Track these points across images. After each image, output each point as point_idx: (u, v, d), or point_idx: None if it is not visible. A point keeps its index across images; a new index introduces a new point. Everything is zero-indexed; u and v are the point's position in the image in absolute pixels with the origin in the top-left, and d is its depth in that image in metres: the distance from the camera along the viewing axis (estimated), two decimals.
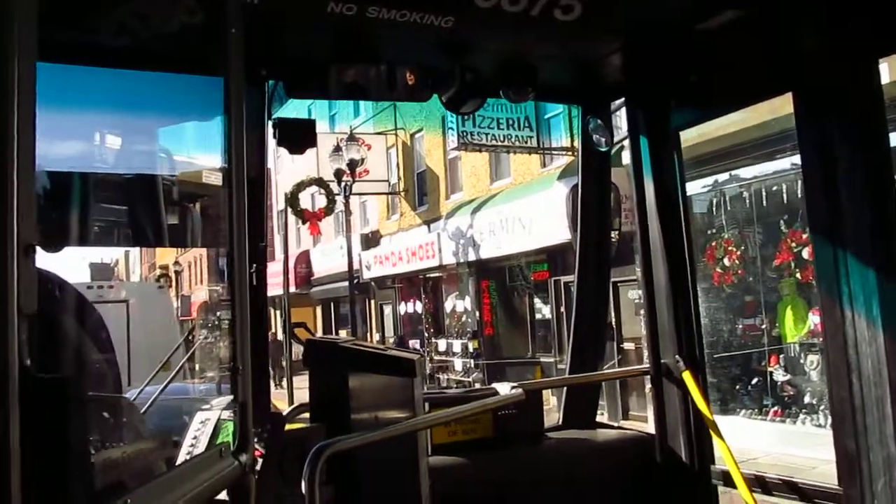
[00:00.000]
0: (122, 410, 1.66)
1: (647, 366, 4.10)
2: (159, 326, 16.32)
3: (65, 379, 1.21)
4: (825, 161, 3.04)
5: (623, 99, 4.09)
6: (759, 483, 3.58)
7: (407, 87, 3.45)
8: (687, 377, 3.83)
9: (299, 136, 3.52)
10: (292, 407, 3.42)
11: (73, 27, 2.66)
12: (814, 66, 3.07)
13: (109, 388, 1.62)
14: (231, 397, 1.87)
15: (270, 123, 3.44)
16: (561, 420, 4.31)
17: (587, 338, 4.33)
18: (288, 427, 2.79)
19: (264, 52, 3.27)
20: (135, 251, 70.67)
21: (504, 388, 3.56)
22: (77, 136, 3.30)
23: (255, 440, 2.50)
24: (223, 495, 2.05)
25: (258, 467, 2.41)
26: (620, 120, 4.26)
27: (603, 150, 4.14)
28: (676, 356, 3.89)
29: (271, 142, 3.55)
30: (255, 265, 3.28)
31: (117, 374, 1.71)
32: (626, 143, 4.16)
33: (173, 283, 44.44)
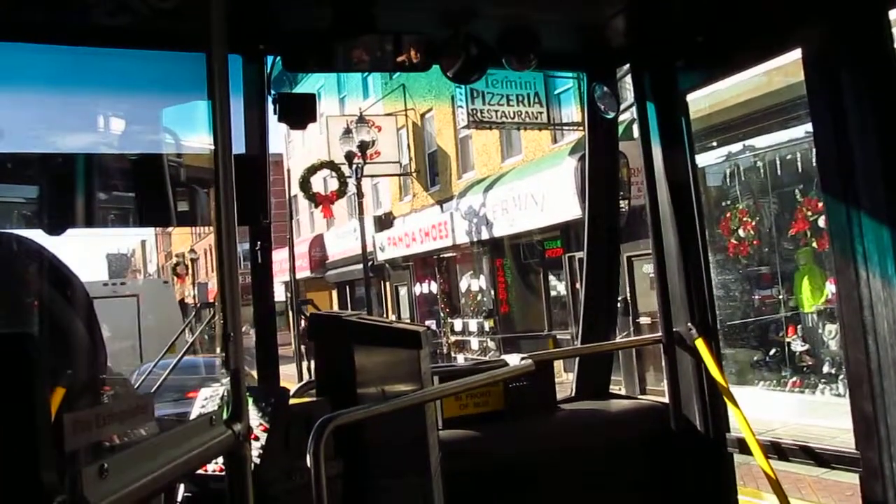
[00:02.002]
0: (100, 375, 1.64)
1: (660, 334, 4.05)
2: (164, 315, 20.48)
3: (26, 335, 1.18)
4: (836, 117, 2.97)
5: (629, 64, 4.01)
6: (775, 449, 3.53)
7: (408, 57, 3.40)
8: (700, 345, 3.78)
9: (300, 111, 3.48)
10: (300, 384, 3.41)
11: (58, 7, 2.63)
12: (822, 20, 3.00)
13: (85, 353, 1.60)
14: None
15: (270, 99, 3.40)
16: (574, 391, 4.27)
17: (598, 308, 4.28)
18: (293, 402, 2.77)
19: (261, 25, 3.23)
20: (150, 241, 71.31)
21: (514, 360, 3.53)
22: (83, 120, 3.29)
23: (260, 414, 2.49)
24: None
25: (263, 441, 2.40)
26: (628, 94, 4.19)
27: (610, 117, 4.07)
28: (689, 324, 3.84)
29: (283, 127, 3.52)
30: (259, 242, 3.26)
31: (97, 337, 1.68)
32: (634, 110, 4.09)
33: (189, 271, 44.77)
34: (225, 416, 1.73)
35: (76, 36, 2.91)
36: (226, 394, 1.81)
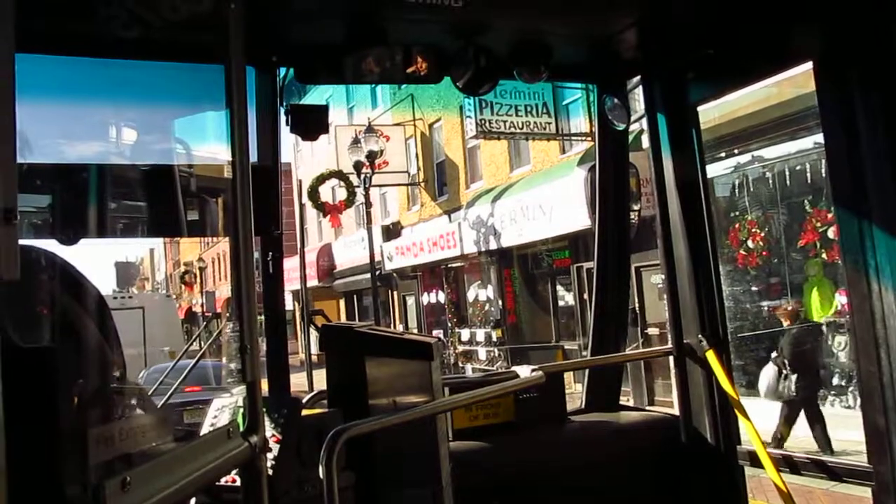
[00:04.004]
0: (123, 389, 1.65)
1: (671, 346, 4.05)
2: (166, 326, 23.63)
3: (51, 349, 1.19)
4: (848, 130, 2.96)
5: (640, 77, 4.02)
6: (786, 462, 3.52)
7: (419, 69, 3.42)
8: (710, 357, 3.78)
9: (312, 122, 3.50)
10: (312, 393, 3.41)
11: (75, 18, 2.65)
12: (834, 32, 3.00)
13: (109, 366, 1.61)
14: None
15: (283, 110, 3.42)
16: (584, 403, 4.27)
17: (609, 320, 4.27)
18: (305, 413, 2.77)
19: (274, 37, 3.25)
20: (159, 249, 71.53)
21: (524, 371, 3.52)
22: (97, 130, 3.31)
23: (273, 425, 2.49)
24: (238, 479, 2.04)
25: (275, 452, 2.41)
26: (639, 104, 4.19)
27: (620, 129, 4.08)
28: (699, 335, 3.84)
29: (292, 136, 3.53)
30: (271, 253, 3.27)
31: (118, 351, 1.69)
32: (645, 123, 4.09)
33: (197, 280, 44.89)
34: (241, 428, 1.73)
35: (94, 47, 2.93)
36: (241, 404, 1.81)
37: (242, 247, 1.76)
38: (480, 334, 22.52)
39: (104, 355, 1.58)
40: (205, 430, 2.53)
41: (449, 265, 24.94)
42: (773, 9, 3.19)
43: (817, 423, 10.40)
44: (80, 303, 1.60)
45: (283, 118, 3.42)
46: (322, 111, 3.54)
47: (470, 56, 3.45)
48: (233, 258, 1.76)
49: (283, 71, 3.43)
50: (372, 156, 22.47)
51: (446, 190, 26.12)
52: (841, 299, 11.45)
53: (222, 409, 2.54)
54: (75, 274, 1.64)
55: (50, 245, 2.64)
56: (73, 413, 1.17)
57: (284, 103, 3.40)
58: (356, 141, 22.83)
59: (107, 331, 1.66)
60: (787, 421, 10.51)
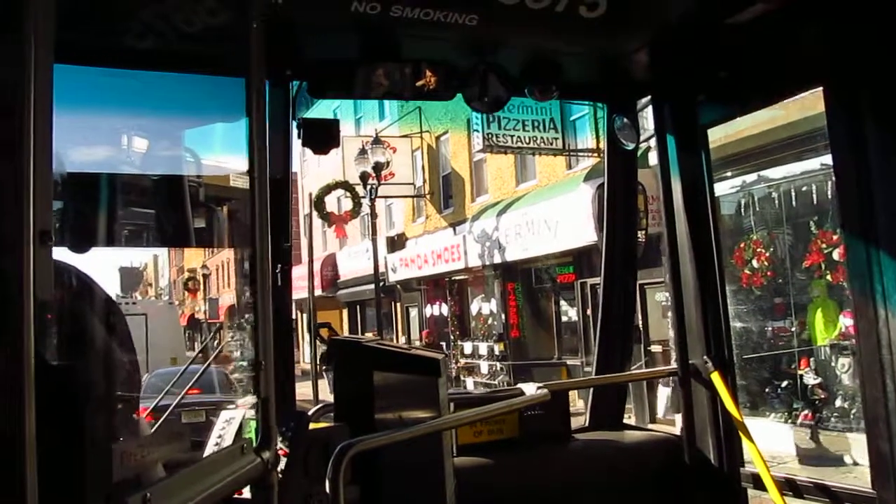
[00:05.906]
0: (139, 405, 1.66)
1: (675, 367, 4.05)
2: (168, 332, 24.59)
3: (80, 368, 1.20)
4: (856, 155, 2.98)
5: (649, 97, 4.04)
6: (789, 486, 3.51)
7: (431, 85, 3.44)
8: (716, 378, 3.78)
9: (323, 136, 3.52)
10: (317, 406, 3.41)
11: (99, 30, 2.68)
12: (844, 59, 3.01)
13: (128, 383, 1.62)
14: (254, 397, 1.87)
15: (295, 124, 3.44)
16: (588, 422, 4.26)
17: (614, 339, 4.28)
18: (312, 426, 2.78)
19: (288, 52, 3.28)
20: (163, 256, 71.66)
21: (530, 389, 3.53)
22: (107, 138, 3.33)
23: (280, 439, 2.50)
24: (246, 493, 2.05)
25: (282, 466, 2.41)
26: (647, 122, 4.21)
27: (629, 148, 4.09)
28: (705, 357, 3.84)
29: (297, 145, 3.56)
30: (280, 265, 3.29)
31: (136, 368, 1.71)
32: (653, 142, 4.11)
33: (201, 287, 44.90)
34: (254, 444, 1.74)
35: (119, 58, 2.96)
36: (251, 417, 1.82)
37: (259, 261, 1.77)
38: (483, 348, 22.50)
39: (123, 368, 1.59)
40: (212, 441, 2.54)
41: (453, 278, 24.94)
42: (783, 34, 3.21)
43: None
44: (99, 315, 1.62)
45: (294, 131, 3.44)
46: (333, 125, 3.57)
47: (481, 74, 3.47)
48: (251, 274, 1.77)
49: (294, 84, 3.45)
50: (378, 167, 22.52)
51: (452, 203, 26.16)
52: (845, 321, 11.43)
53: (230, 422, 2.55)
54: (93, 286, 1.66)
55: (61, 252, 2.66)
56: (98, 428, 1.18)
57: (296, 116, 3.43)
58: (363, 152, 22.88)
59: (124, 343, 1.67)
60: None
